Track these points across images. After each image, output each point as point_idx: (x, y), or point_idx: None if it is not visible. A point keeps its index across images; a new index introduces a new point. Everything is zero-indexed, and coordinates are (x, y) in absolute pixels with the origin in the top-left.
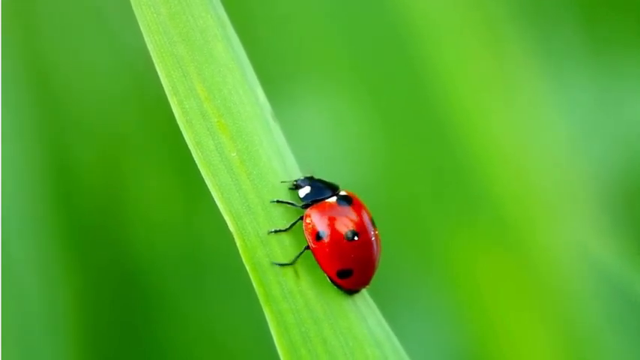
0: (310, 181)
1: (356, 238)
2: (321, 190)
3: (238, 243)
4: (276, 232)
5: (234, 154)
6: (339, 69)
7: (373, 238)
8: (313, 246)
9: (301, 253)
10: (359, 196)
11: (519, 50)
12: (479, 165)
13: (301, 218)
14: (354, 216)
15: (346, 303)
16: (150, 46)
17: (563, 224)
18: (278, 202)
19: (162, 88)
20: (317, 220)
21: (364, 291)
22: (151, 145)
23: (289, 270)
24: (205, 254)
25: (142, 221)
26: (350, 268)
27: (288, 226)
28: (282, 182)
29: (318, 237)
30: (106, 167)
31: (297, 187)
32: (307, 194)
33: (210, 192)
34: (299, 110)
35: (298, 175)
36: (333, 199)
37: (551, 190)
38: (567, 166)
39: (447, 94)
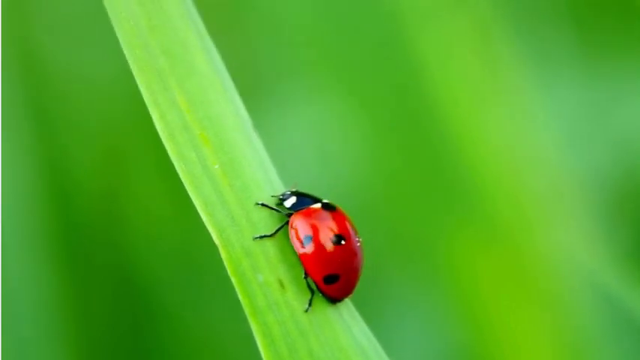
0: (295, 193)
1: (342, 242)
2: (306, 200)
3: (223, 255)
4: (261, 237)
5: (217, 166)
6: (329, 73)
7: (358, 245)
8: (300, 251)
9: (281, 227)
10: (351, 200)
11: (510, 52)
12: (473, 167)
13: (287, 224)
14: (338, 222)
15: (331, 314)
16: (130, 60)
17: (557, 227)
18: (263, 205)
19: None
20: (303, 224)
21: (349, 301)
22: (149, 148)
23: (274, 281)
24: (203, 257)
25: (141, 224)
26: (337, 273)
27: (273, 232)
28: (272, 197)
29: (304, 241)
30: (105, 170)
31: (282, 200)
32: (294, 204)
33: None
34: (289, 116)
35: (281, 186)
36: (318, 205)
37: (544, 192)
38: (560, 168)
39: (438, 98)
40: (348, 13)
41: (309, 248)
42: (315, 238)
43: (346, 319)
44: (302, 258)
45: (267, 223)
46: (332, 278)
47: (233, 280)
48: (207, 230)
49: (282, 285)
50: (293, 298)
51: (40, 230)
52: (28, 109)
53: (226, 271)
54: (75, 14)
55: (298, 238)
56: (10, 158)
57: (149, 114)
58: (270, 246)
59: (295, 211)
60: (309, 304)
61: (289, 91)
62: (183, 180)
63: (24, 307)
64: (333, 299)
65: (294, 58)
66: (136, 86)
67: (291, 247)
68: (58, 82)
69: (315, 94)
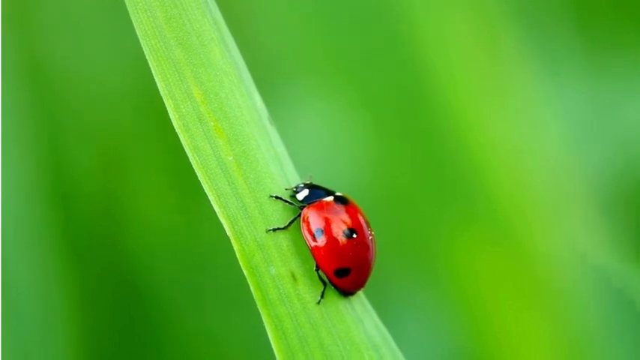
0: (309, 186)
1: (354, 235)
2: (319, 192)
3: (235, 247)
4: (274, 230)
5: (231, 158)
6: (336, 71)
7: (370, 238)
8: (312, 244)
9: (294, 219)
10: (356, 198)
11: (515, 51)
12: (476, 166)
13: (299, 216)
14: (351, 215)
15: (343, 306)
16: (146, 50)
17: (560, 225)
18: (276, 197)
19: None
20: (315, 217)
21: (361, 294)
22: (150, 149)
23: (287, 274)
24: (204, 257)
25: (141, 225)
26: (348, 266)
27: (286, 224)
28: (286, 189)
29: (316, 234)
30: (105, 171)
31: (296, 192)
32: (306, 197)
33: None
34: (295, 112)
35: (296, 178)
36: (330, 198)
37: (549, 191)
38: (564, 167)
39: (443, 96)
40: (355, 12)
41: (320, 241)
42: (326, 231)
43: (358, 312)
44: (313, 251)
45: (280, 215)
46: (343, 271)
47: (245, 272)
48: (207, 231)
49: (294, 277)
50: (305, 290)
51: (40, 231)
52: (29, 111)
53: (227, 271)
54: (77, 14)
55: (310, 231)
56: (12, 159)
57: (150, 114)
58: (282, 238)
59: (307, 204)
60: (321, 296)
61: (293, 90)
62: (196, 171)
63: (25, 307)
64: (345, 292)
65: (298, 58)
66: (138, 86)
67: (303, 239)
68: (59, 82)
69: (320, 94)
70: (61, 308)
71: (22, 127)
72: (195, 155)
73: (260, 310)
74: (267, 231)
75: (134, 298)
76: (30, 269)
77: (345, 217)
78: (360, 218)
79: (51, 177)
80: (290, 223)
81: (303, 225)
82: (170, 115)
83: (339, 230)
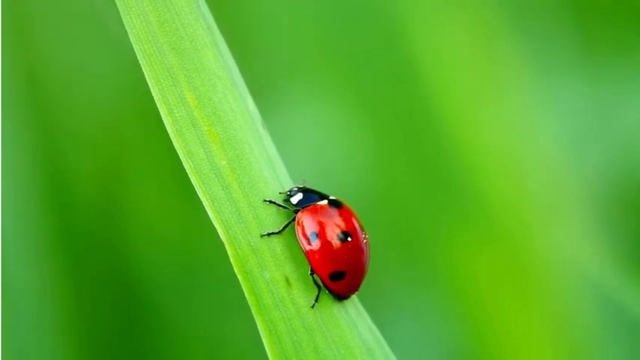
0: (302, 189)
1: (349, 239)
2: (312, 196)
3: (229, 252)
4: (269, 235)
5: (225, 162)
6: (331, 73)
7: (364, 242)
8: (307, 248)
9: (289, 224)
10: (352, 200)
11: (512, 52)
12: (474, 167)
13: (294, 220)
14: (345, 218)
15: (337, 311)
16: (139, 55)
17: (559, 226)
18: (270, 202)
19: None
20: (310, 221)
21: (355, 297)
22: (149, 154)
23: (281, 278)
24: (202, 261)
25: (139, 230)
26: (343, 270)
27: (280, 229)
28: (280, 193)
29: (311, 238)
30: (104, 175)
31: (290, 195)
32: (300, 200)
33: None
34: (291, 115)
35: (289, 183)
36: (325, 201)
37: (547, 192)
38: (563, 168)
39: (440, 97)
40: (351, 14)
41: (315, 245)
42: (321, 234)
43: (352, 316)
44: (308, 255)
45: (274, 219)
46: (338, 275)
47: (239, 277)
48: (205, 235)
49: (288, 282)
50: (299, 295)
51: (40, 235)
52: (28, 117)
53: (224, 274)
54: (76, 17)
55: (304, 235)
56: (10, 163)
57: (149, 118)
58: (276, 243)
59: (302, 208)
60: (316, 300)
61: (289, 92)
62: (190, 176)
63: (24, 311)
64: (340, 296)
65: (294, 60)
66: (137, 90)
67: (298, 243)
68: (56, 87)
69: (315, 96)
70: (59, 312)
71: (20, 131)
72: (189, 160)
73: (254, 315)
74: (262, 235)
75: (132, 301)
76: (29, 273)
77: (340, 221)
78: (354, 222)
79: (49, 181)
80: (284, 228)
81: (298, 229)
82: (164, 120)
83: (334, 234)
